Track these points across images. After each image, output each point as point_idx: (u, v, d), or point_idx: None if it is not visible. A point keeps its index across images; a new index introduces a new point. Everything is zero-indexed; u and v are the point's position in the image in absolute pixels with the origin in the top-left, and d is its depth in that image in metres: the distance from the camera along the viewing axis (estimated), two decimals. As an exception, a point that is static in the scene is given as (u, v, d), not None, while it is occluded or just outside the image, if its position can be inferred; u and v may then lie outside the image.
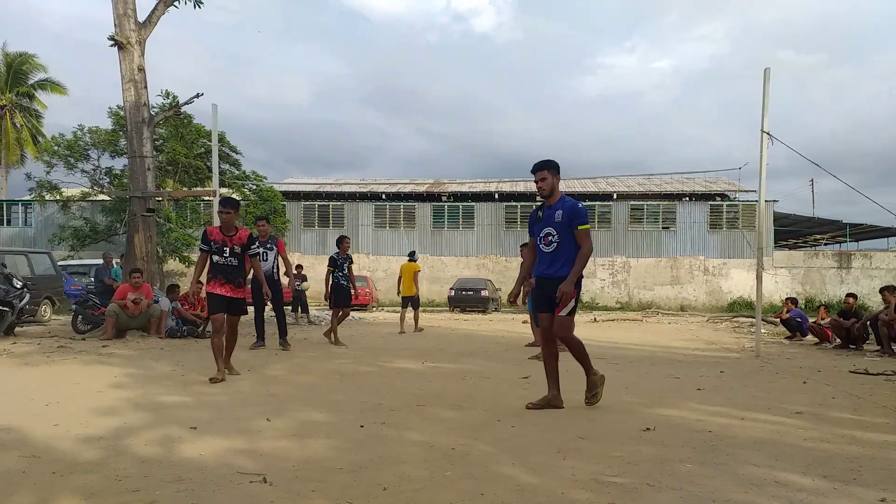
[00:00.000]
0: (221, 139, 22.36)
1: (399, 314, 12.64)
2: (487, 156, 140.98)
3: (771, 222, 27.05)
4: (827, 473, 2.98)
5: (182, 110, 18.02)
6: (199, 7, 13.39)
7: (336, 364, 7.10)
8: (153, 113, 13.45)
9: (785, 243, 36.25)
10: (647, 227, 29.00)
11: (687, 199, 30.31)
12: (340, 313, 9.76)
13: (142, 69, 12.31)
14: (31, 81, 36.20)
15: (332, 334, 9.44)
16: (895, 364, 7.79)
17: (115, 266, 12.85)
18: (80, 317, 10.81)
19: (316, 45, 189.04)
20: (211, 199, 12.10)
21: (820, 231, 34.67)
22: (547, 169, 4.60)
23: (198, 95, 12.82)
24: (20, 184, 41.00)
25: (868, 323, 10.03)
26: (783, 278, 27.75)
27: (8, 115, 35.05)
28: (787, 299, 12.80)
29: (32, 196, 24.06)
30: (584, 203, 29.84)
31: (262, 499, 2.59)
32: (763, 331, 10.52)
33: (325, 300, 9.91)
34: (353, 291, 9.87)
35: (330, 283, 9.64)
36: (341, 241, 9.83)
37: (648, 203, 29.75)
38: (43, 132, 35.68)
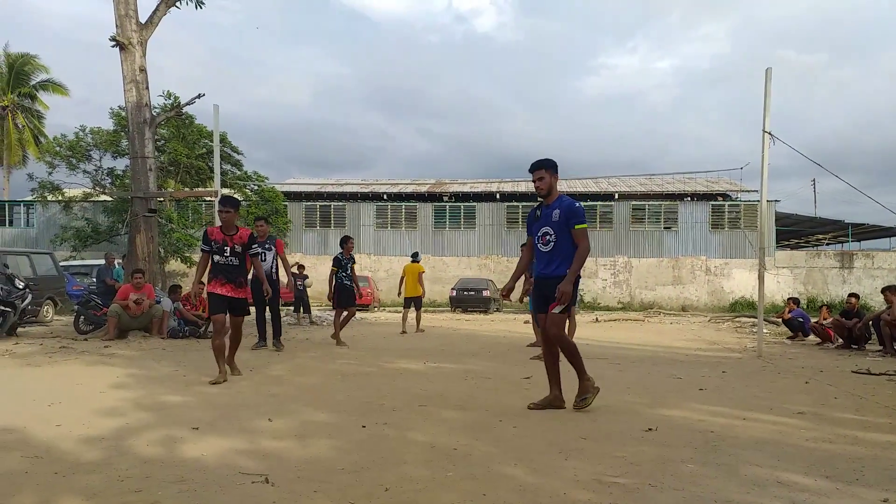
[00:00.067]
0: (223, 140, 22.38)
1: (401, 314, 12.64)
2: (489, 156, 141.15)
3: (773, 222, 27.02)
4: (829, 474, 2.98)
5: (183, 111, 18.05)
6: (201, 8, 13.40)
7: (338, 364, 7.10)
8: (155, 113, 13.46)
9: (787, 243, 36.21)
10: (648, 227, 28.98)
11: (689, 198, 30.28)
12: (346, 313, 9.75)
13: (143, 70, 12.33)
14: (32, 82, 36.27)
15: (336, 334, 9.45)
16: (898, 364, 7.78)
17: (116, 266, 12.87)
18: (82, 317, 10.82)
19: (317, 46, 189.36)
20: (213, 199, 12.10)
21: (822, 231, 34.62)
22: (544, 168, 4.60)
23: (199, 96, 12.84)
24: (22, 184, 41.06)
25: (870, 323, 10.02)
26: (785, 278, 27.71)
27: (10, 115, 35.13)
28: (789, 299, 12.78)
29: (34, 197, 24.09)
30: (585, 203, 29.81)
31: (264, 499, 2.59)
32: (765, 331, 10.51)
33: (329, 300, 9.89)
34: (357, 291, 9.85)
35: (333, 283, 9.63)
36: (345, 242, 9.80)
37: (650, 203, 29.72)
38: (45, 133, 35.74)
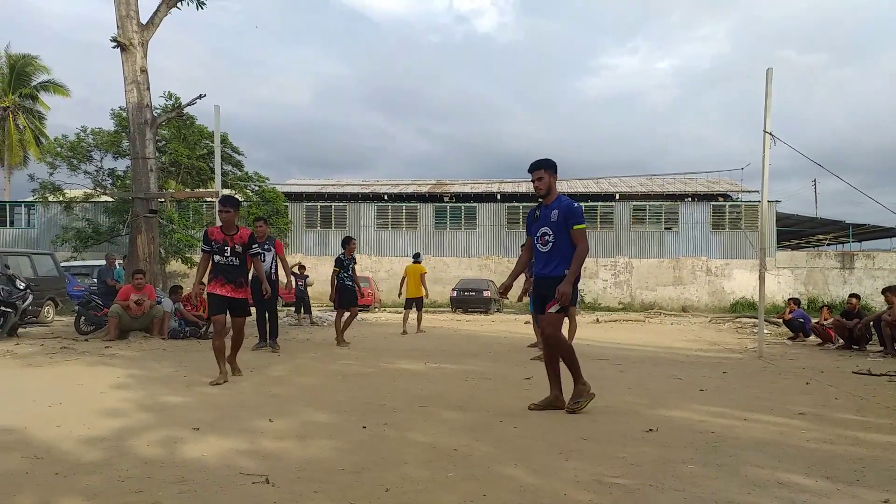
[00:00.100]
0: (224, 140, 22.39)
1: (402, 314, 12.64)
2: (489, 156, 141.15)
3: (773, 223, 27.01)
4: (830, 474, 2.98)
5: (184, 111, 18.06)
6: (202, 8, 13.42)
7: (338, 365, 7.10)
8: (156, 114, 13.48)
9: (787, 244, 36.20)
10: (649, 228, 28.97)
11: (689, 199, 30.27)
12: (348, 313, 9.75)
13: (144, 70, 12.34)
14: (34, 83, 36.30)
15: (338, 334, 9.45)
16: (898, 365, 7.77)
17: (117, 267, 12.88)
18: (82, 318, 10.83)
19: (317, 46, 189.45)
20: (213, 199, 12.11)
21: (823, 231, 34.59)
22: (544, 168, 4.60)
23: (200, 97, 12.85)
24: (23, 185, 41.00)
25: (871, 324, 10.01)
26: (786, 279, 27.70)
27: (11, 116, 35.16)
28: (789, 300, 12.77)
29: (35, 197, 24.15)
30: (586, 203, 29.79)
31: (264, 499, 2.59)
32: (766, 331, 10.50)
33: (331, 301, 9.89)
34: (359, 291, 9.84)
35: (335, 283, 9.63)
36: (347, 242, 9.81)
37: (651, 203, 29.71)
38: (46, 133, 35.78)
